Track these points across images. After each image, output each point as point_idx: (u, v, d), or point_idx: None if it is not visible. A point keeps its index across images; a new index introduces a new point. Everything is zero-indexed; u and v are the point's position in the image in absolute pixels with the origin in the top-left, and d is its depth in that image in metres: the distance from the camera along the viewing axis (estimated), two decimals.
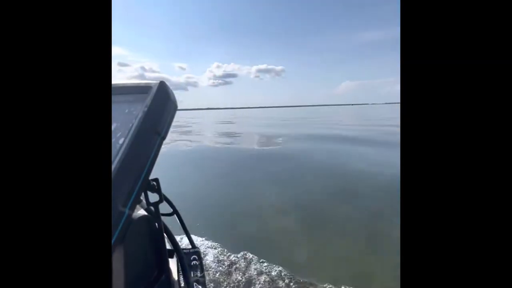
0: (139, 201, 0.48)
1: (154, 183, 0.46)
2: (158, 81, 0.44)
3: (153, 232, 0.48)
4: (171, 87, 0.46)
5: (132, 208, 0.37)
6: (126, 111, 0.43)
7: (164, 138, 0.42)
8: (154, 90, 0.42)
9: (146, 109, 0.40)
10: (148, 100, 0.41)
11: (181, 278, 0.51)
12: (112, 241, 0.33)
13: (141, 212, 0.49)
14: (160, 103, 0.42)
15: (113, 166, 0.36)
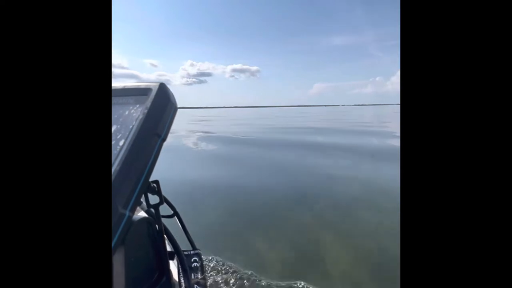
0: (140, 203, 0.47)
1: (155, 185, 0.46)
2: (158, 83, 0.43)
3: (154, 234, 0.48)
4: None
5: (133, 210, 0.37)
6: (126, 113, 0.43)
7: (164, 139, 0.42)
8: (154, 92, 0.42)
9: (146, 111, 0.40)
10: (148, 102, 0.41)
11: (182, 280, 0.51)
12: (113, 243, 0.33)
13: (141, 214, 0.49)
14: (160, 105, 0.42)
15: (113, 168, 0.36)
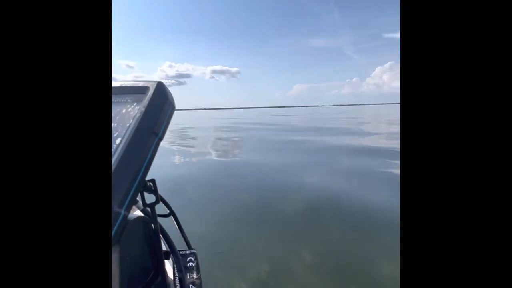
0: (135, 202, 0.47)
1: (151, 183, 0.46)
2: (156, 82, 0.44)
3: (149, 233, 0.48)
4: None
5: (128, 209, 0.37)
6: (124, 111, 0.43)
7: (161, 138, 0.42)
8: (151, 90, 0.42)
9: (143, 109, 0.40)
10: (146, 100, 0.41)
11: (177, 280, 0.51)
12: None
13: (137, 213, 0.48)
14: (157, 104, 0.42)
15: None
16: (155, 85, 0.43)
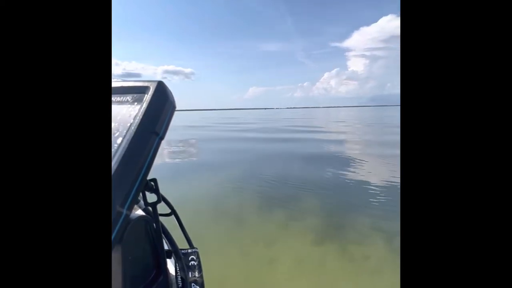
0: (137, 202, 0.46)
1: (152, 183, 0.45)
2: (157, 81, 0.44)
3: (151, 232, 0.47)
4: None
5: (130, 209, 0.37)
6: (124, 111, 0.42)
7: (162, 138, 0.42)
8: (152, 90, 0.42)
9: (144, 109, 0.40)
10: (146, 100, 0.41)
11: (179, 279, 0.51)
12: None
13: (139, 212, 0.47)
14: (158, 103, 0.42)
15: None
16: (155, 85, 0.43)
